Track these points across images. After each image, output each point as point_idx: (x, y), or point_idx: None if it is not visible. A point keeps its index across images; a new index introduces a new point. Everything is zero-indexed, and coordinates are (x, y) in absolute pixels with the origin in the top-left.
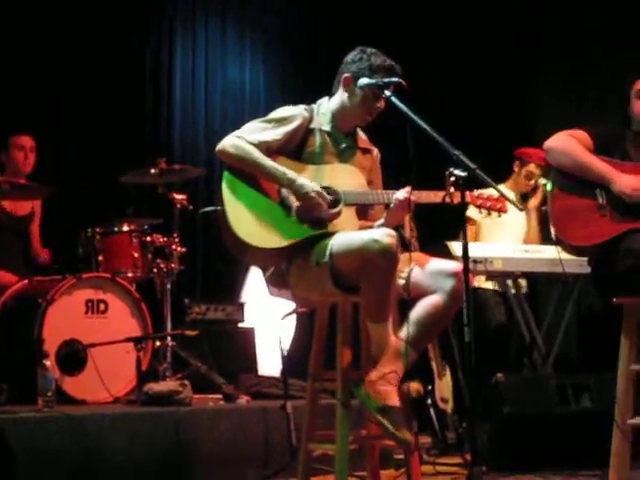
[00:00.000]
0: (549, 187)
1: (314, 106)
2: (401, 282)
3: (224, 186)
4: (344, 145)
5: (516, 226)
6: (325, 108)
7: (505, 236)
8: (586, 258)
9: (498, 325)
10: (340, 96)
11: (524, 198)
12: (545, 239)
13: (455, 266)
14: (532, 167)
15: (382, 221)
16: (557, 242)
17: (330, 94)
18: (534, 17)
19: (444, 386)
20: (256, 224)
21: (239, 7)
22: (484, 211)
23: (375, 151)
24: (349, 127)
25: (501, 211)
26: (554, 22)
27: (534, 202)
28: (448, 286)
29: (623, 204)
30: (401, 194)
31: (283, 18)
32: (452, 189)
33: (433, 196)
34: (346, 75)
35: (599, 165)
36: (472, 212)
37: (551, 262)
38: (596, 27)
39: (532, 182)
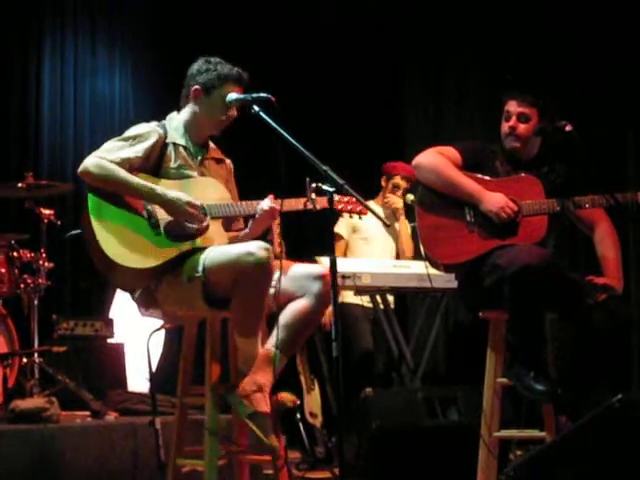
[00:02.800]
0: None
1: (165, 122)
2: (271, 291)
3: (90, 208)
4: (200, 157)
5: (382, 240)
6: (177, 122)
7: (372, 251)
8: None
9: (366, 340)
10: (191, 108)
11: (395, 213)
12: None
13: (321, 269)
14: (397, 179)
15: (247, 230)
16: (426, 258)
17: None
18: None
19: (313, 401)
20: (126, 245)
21: (108, 21)
22: (346, 215)
23: (228, 161)
24: (203, 138)
25: (361, 213)
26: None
27: (403, 213)
28: (315, 289)
29: (490, 222)
30: (266, 204)
31: (153, 33)
32: (313, 195)
33: (295, 203)
34: (195, 87)
35: (467, 184)
36: (340, 229)
37: (419, 277)
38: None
39: (399, 194)
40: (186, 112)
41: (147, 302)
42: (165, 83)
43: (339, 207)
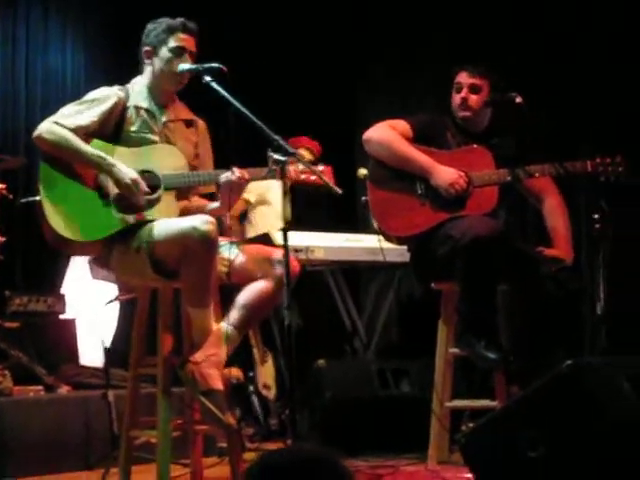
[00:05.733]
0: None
1: (128, 85)
2: (224, 269)
3: (41, 178)
4: (164, 119)
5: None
6: (140, 85)
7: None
8: (406, 246)
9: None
10: (148, 70)
11: None
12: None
13: (282, 253)
14: (301, 151)
15: (217, 204)
16: (379, 232)
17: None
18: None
19: (266, 373)
20: (73, 216)
21: None
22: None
23: (200, 122)
24: (166, 97)
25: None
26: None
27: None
28: (277, 273)
29: (441, 194)
30: (234, 173)
31: (105, 5)
32: (275, 166)
33: (259, 171)
34: (146, 49)
35: (419, 157)
36: (249, 195)
37: (372, 251)
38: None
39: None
40: (145, 75)
41: (102, 264)
42: (117, 56)
43: (301, 178)
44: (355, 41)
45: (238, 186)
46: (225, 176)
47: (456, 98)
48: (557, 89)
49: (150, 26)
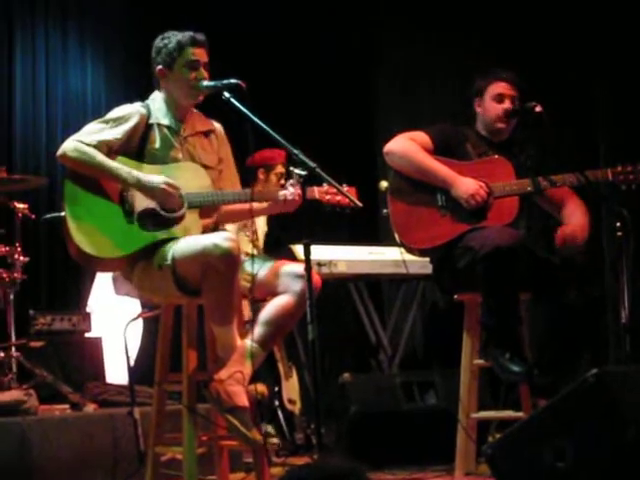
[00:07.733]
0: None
1: (149, 102)
2: (247, 284)
3: (65, 195)
4: (186, 134)
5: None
6: (159, 102)
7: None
8: (428, 258)
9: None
10: (164, 88)
11: None
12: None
13: (303, 268)
14: (280, 168)
15: (264, 205)
16: (400, 244)
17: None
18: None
19: (291, 387)
20: (97, 233)
21: (79, 15)
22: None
23: (218, 127)
24: (185, 111)
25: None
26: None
27: None
28: (298, 287)
29: (462, 205)
30: (294, 191)
31: (123, 24)
32: (299, 186)
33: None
34: (159, 68)
35: (439, 169)
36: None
37: (394, 263)
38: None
39: (282, 181)
40: (162, 91)
41: (126, 280)
42: (137, 75)
43: (327, 198)
44: (372, 53)
45: (292, 203)
46: (283, 193)
47: (497, 109)
48: (579, 99)
49: (159, 43)
